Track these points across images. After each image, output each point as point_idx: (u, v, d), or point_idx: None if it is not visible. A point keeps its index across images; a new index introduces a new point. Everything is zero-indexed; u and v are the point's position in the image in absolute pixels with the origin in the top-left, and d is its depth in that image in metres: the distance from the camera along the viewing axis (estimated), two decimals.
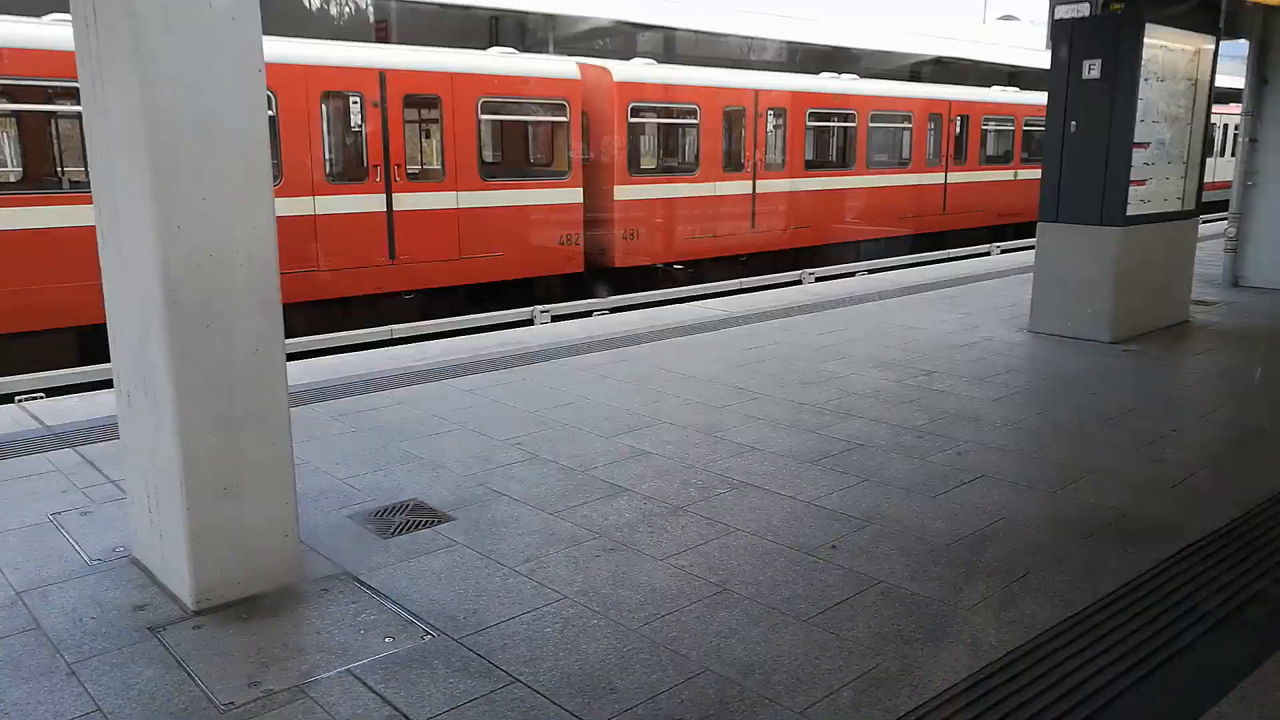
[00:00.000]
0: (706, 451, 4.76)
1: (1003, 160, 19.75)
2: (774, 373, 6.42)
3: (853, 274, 13.50)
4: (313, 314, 10.12)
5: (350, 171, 10.80)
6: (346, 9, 17.47)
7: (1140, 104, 7.22)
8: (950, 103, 18.11)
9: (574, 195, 12.48)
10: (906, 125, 17.40)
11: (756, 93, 14.61)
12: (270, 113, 9.37)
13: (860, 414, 5.43)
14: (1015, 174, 19.66)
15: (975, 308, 8.99)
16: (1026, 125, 19.63)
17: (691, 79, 14.28)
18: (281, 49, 9.83)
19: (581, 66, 12.72)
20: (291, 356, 5.77)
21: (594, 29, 18.82)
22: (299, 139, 9.99)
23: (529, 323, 10.83)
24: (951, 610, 3.14)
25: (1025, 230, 17.93)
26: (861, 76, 18.07)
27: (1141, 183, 7.48)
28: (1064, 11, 7.47)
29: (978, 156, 18.93)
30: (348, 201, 10.52)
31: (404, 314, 10.96)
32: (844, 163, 16.52)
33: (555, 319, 10.66)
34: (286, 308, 3.21)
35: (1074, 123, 7.39)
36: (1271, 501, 4.12)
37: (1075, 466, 4.59)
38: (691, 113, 13.90)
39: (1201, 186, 8.29)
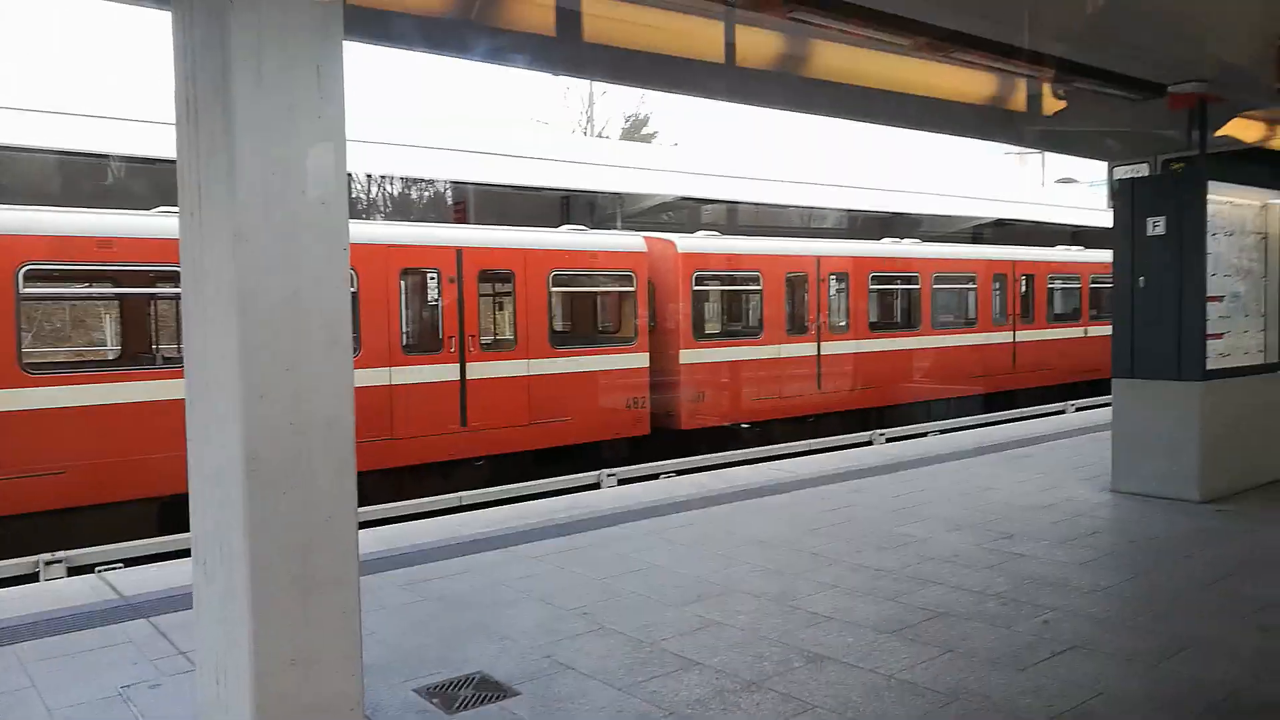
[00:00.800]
0: (780, 621, 4.60)
1: (1071, 318, 19.63)
2: (848, 536, 6.25)
3: (925, 434, 13.29)
4: (385, 481, 10.28)
5: (426, 343, 11.19)
6: (427, 193, 18.61)
7: (1209, 258, 7.18)
8: (1014, 262, 18.22)
9: (640, 360, 12.71)
10: (971, 286, 17.51)
11: (818, 259, 14.93)
12: (352, 289, 9.85)
13: (939, 580, 5.22)
14: (1085, 331, 19.47)
15: (1053, 467, 8.72)
16: (1093, 282, 19.58)
17: (753, 249, 14.68)
18: (366, 230, 10.44)
19: (648, 239, 13.23)
20: (362, 524, 5.82)
21: (660, 205, 19.65)
22: (378, 313, 10.45)
23: (595, 486, 10.80)
24: None
25: (1101, 387, 17.56)
26: (923, 240, 18.34)
27: (1219, 336, 7.34)
28: (1123, 172, 7.59)
29: (1045, 314, 18.85)
30: (423, 372, 10.85)
31: (474, 479, 11.05)
32: (909, 324, 16.60)
33: (622, 482, 10.63)
34: (361, 475, 3.27)
35: (1142, 279, 7.37)
36: None
37: (1175, 636, 4.30)
38: (754, 279, 14.22)
39: None
